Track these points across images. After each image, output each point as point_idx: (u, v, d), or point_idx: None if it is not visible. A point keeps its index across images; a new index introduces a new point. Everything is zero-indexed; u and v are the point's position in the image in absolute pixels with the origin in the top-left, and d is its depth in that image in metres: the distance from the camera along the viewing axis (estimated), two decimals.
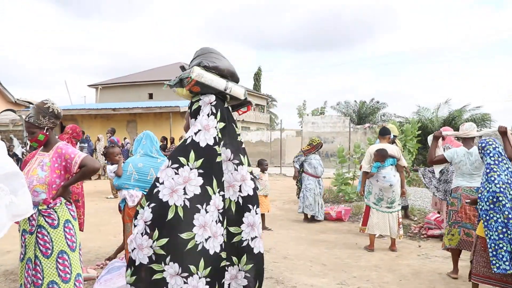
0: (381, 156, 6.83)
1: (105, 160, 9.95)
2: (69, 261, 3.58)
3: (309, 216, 9.35)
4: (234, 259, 3.33)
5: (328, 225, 9.05)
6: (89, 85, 42.59)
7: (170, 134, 19.70)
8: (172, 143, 17.25)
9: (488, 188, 4.24)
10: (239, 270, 3.34)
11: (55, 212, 3.61)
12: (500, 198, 4.13)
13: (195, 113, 3.32)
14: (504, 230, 4.08)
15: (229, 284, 3.35)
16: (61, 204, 3.66)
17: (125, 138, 19.73)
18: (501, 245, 4.09)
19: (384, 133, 7.35)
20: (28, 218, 3.54)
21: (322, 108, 49.37)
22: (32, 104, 30.63)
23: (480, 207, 4.27)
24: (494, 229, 4.13)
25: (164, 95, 38.18)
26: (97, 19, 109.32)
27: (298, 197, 9.63)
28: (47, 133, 3.78)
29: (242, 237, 3.30)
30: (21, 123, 24.55)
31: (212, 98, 3.30)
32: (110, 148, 5.68)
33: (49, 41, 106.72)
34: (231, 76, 3.41)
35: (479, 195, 4.33)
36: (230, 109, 3.57)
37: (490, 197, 4.19)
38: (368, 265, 6.10)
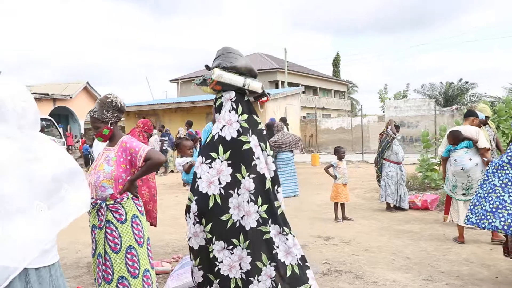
0: (453, 138, 6.35)
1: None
2: (138, 256, 3.53)
3: (392, 205, 8.88)
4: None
5: (412, 214, 8.53)
6: (170, 80, 43.91)
7: None
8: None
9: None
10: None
11: (122, 207, 3.58)
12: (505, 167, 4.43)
13: (218, 108, 3.76)
14: (491, 191, 4.46)
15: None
16: (128, 199, 3.61)
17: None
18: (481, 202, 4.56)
19: (467, 114, 6.82)
20: (97, 213, 3.57)
21: (404, 91, 47.75)
22: None
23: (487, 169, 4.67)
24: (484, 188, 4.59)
25: None
26: (179, 16, 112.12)
27: (379, 185, 9.19)
28: (111, 127, 3.76)
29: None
30: None
31: (232, 94, 3.71)
32: (183, 140, 5.56)
33: (132, 39, 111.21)
34: (249, 73, 3.78)
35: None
36: (251, 100, 3.98)
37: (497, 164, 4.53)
38: (458, 259, 5.61)
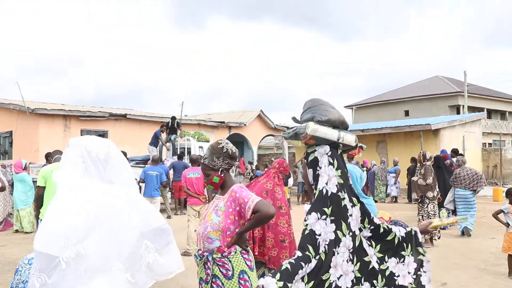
0: None
1: None
2: None
3: None
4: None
5: None
6: (345, 106, 43.67)
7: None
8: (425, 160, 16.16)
9: None
10: None
11: (230, 261, 3.38)
12: None
13: (312, 164, 3.54)
14: None
15: None
16: (235, 252, 3.40)
17: (373, 164, 19.29)
18: None
19: None
20: (204, 266, 3.41)
21: None
22: (289, 128, 32.79)
23: None
24: None
25: (421, 111, 36.71)
26: (356, 40, 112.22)
27: None
28: (222, 175, 3.60)
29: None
30: (281, 147, 26.37)
31: (327, 149, 3.53)
32: None
33: (310, 65, 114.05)
34: (341, 125, 3.58)
35: None
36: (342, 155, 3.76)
37: None
38: None
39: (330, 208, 3.44)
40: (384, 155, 21.57)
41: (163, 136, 17.91)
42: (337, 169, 3.52)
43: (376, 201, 18.18)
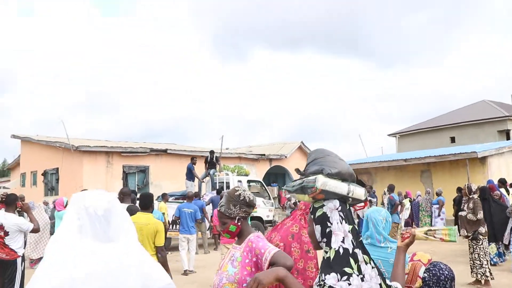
0: None
1: None
2: None
3: None
4: None
5: None
6: (388, 135, 42.91)
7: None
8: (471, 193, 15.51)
9: None
10: None
11: None
12: None
13: (320, 219, 3.29)
14: None
15: None
16: None
17: (418, 194, 18.69)
18: None
19: None
20: None
21: None
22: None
23: None
24: None
25: (467, 137, 35.59)
26: (400, 67, 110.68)
27: None
28: (239, 223, 3.46)
29: None
30: None
31: (337, 203, 3.29)
32: None
33: (352, 93, 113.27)
34: (350, 177, 3.35)
35: None
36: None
37: None
38: None
39: (355, 266, 3.21)
40: (429, 185, 20.86)
41: (196, 171, 17.87)
42: (348, 224, 3.25)
43: None
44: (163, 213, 13.62)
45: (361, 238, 3.28)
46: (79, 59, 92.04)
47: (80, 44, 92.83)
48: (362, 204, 3.61)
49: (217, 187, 16.98)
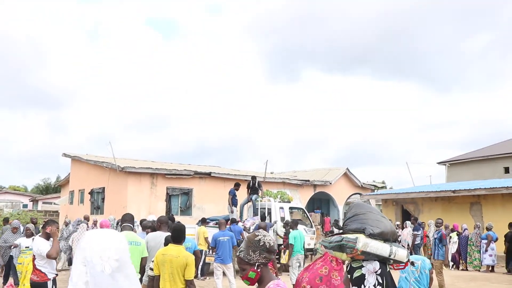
0: None
1: None
2: None
3: None
4: None
5: None
6: (438, 163, 41.66)
7: None
8: None
9: None
10: None
11: None
12: None
13: (357, 281, 3.17)
14: None
15: None
16: None
17: (464, 228, 17.94)
18: None
19: None
20: None
21: None
22: (377, 187, 31.70)
23: None
24: None
25: None
26: (455, 91, 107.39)
27: None
28: (259, 270, 3.33)
29: None
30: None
31: (377, 266, 3.15)
32: None
33: (403, 119, 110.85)
34: (392, 237, 3.17)
35: None
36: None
37: None
38: None
39: None
40: (479, 218, 19.97)
41: (239, 196, 17.81)
42: None
43: (468, 270, 16.73)
44: (206, 237, 13.60)
45: None
46: (137, 79, 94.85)
47: (138, 65, 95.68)
48: (403, 264, 3.43)
49: (259, 213, 16.87)
